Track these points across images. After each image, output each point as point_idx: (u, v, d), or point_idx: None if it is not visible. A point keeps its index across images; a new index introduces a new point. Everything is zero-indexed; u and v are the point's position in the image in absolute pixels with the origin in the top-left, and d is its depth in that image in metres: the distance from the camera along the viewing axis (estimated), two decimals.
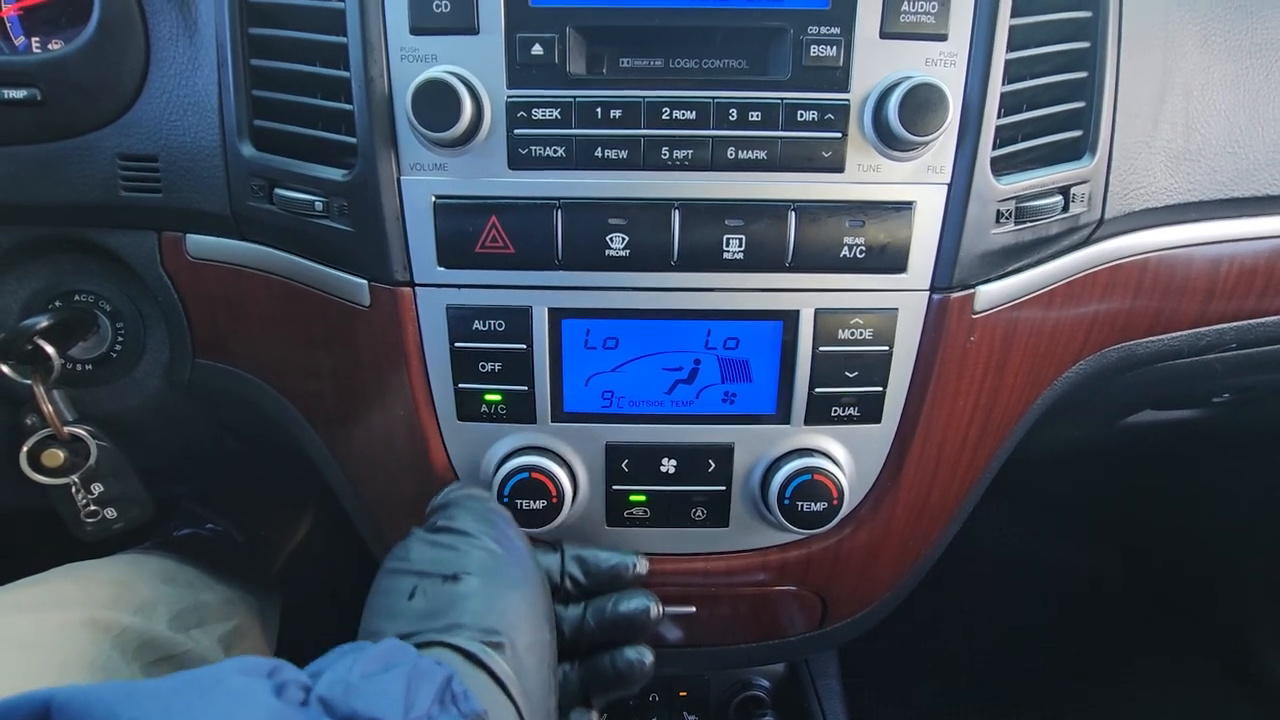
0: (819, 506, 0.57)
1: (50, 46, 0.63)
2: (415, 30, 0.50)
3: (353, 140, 0.52)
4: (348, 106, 0.52)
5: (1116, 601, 1.30)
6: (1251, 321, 0.67)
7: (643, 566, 0.56)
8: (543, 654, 0.44)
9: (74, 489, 0.66)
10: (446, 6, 0.50)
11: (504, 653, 0.41)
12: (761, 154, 0.51)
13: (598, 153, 0.51)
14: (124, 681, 0.28)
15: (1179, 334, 0.67)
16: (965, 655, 1.23)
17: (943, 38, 0.50)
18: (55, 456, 0.64)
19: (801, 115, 0.51)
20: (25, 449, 0.64)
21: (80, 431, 0.65)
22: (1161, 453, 1.17)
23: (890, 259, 0.54)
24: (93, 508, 0.67)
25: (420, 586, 0.44)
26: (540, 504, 0.57)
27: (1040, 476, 1.29)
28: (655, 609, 0.53)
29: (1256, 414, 0.90)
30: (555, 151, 0.51)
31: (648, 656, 0.53)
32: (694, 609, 0.66)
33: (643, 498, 0.60)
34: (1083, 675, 1.20)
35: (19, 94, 0.56)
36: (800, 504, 0.57)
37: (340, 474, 0.66)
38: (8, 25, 0.64)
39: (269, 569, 1.06)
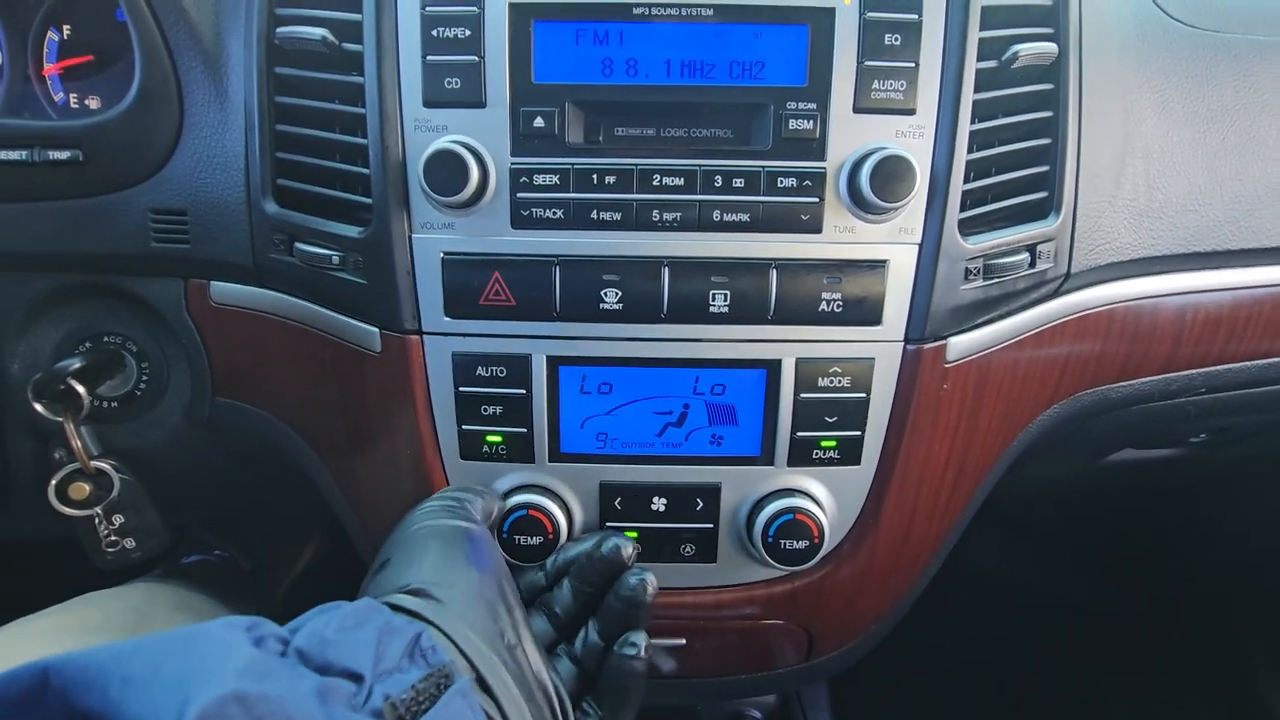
0: (801, 544, 0.60)
1: (87, 100, 0.68)
2: (428, 103, 0.55)
3: (368, 201, 0.56)
4: (364, 170, 0.56)
5: (1110, 634, 1.31)
6: (1219, 367, 0.70)
7: (612, 544, 0.57)
8: (474, 589, 0.45)
9: (97, 520, 0.69)
10: (457, 83, 0.54)
11: (425, 595, 0.43)
12: (745, 216, 0.55)
13: (594, 214, 0.55)
14: (113, 643, 0.30)
15: (1149, 379, 0.69)
16: (957, 687, 1.24)
17: (911, 112, 0.55)
18: (81, 489, 0.67)
19: (781, 182, 0.55)
20: (54, 482, 0.67)
21: (104, 465, 0.68)
22: (1147, 488, 1.19)
23: (866, 313, 0.57)
24: (113, 538, 0.70)
25: (370, 579, 0.47)
26: (537, 540, 0.60)
27: (1031, 509, 1.31)
28: (626, 547, 0.54)
29: (1235, 453, 0.93)
30: (554, 213, 0.56)
31: (648, 578, 0.54)
32: (684, 641, 0.69)
33: (634, 534, 0.63)
34: (1075, 708, 1.21)
35: (63, 155, 0.61)
36: (783, 542, 0.60)
37: (347, 507, 0.69)
38: (49, 83, 0.69)
39: (273, 596, 1.09)
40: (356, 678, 0.34)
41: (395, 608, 0.41)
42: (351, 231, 0.58)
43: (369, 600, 0.40)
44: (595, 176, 0.55)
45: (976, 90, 0.55)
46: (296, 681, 0.31)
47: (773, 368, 0.59)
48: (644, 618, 0.54)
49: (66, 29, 0.67)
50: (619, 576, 0.55)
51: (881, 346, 0.59)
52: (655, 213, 0.55)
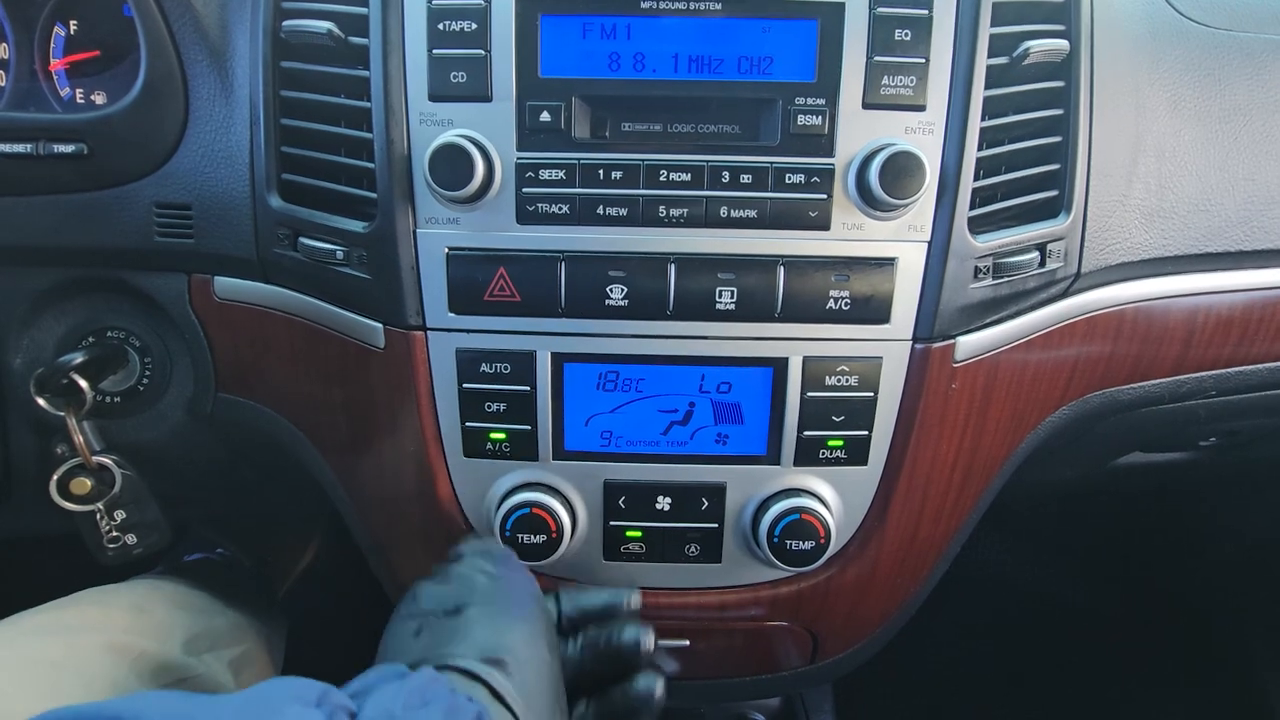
0: (807, 545, 0.60)
1: (94, 95, 0.68)
2: (434, 97, 0.55)
3: (373, 195, 0.56)
4: (369, 165, 0.56)
5: (1116, 637, 1.29)
6: (1230, 370, 0.70)
7: (636, 601, 0.57)
8: (544, 671, 0.46)
9: (98, 515, 0.69)
10: (463, 76, 0.54)
11: (504, 669, 0.42)
12: (752, 213, 0.55)
13: (599, 210, 0.55)
14: (185, 695, 0.30)
15: (1160, 381, 0.69)
16: (962, 691, 1.23)
17: (921, 108, 0.54)
18: (83, 484, 0.67)
19: (790, 178, 0.55)
20: (55, 477, 0.67)
21: (106, 461, 0.68)
22: (1156, 490, 1.18)
23: (874, 311, 0.57)
24: (114, 534, 0.70)
25: (424, 624, 0.47)
26: (540, 539, 0.60)
27: (1037, 512, 1.30)
28: (646, 640, 0.54)
29: (1245, 456, 0.92)
30: (560, 209, 0.55)
31: (658, 686, 0.53)
32: (688, 642, 0.68)
33: (639, 533, 0.62)
34: (1081, 711, 1.19)
35: (68, 148, 0.60)
36: (789, 542, 0.60)
37: (349, 503, 0.69)
38: (55, 78, 0.69)
39: (275, 594, 1.09)
40: None
41: (474, 677, 0.41)
42: (356, 226, 0.57)
43: (431, 673, 0.40)
44: (601, 172, 0.55)
45: (987, 87, 0.55)
46: None
47: (779, 366, 0.58)
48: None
49: (73, 24, 0.67)
50: (631, 668, 0.54)
51: (889, 345, 0.58)
52: (662, 208, 0.55)
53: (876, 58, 0.53)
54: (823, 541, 0.60)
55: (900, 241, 0.56)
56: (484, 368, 0.58)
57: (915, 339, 0.58)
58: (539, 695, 0.44)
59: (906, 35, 0.53)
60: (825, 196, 0.55)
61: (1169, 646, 1.24)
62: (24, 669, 0.53)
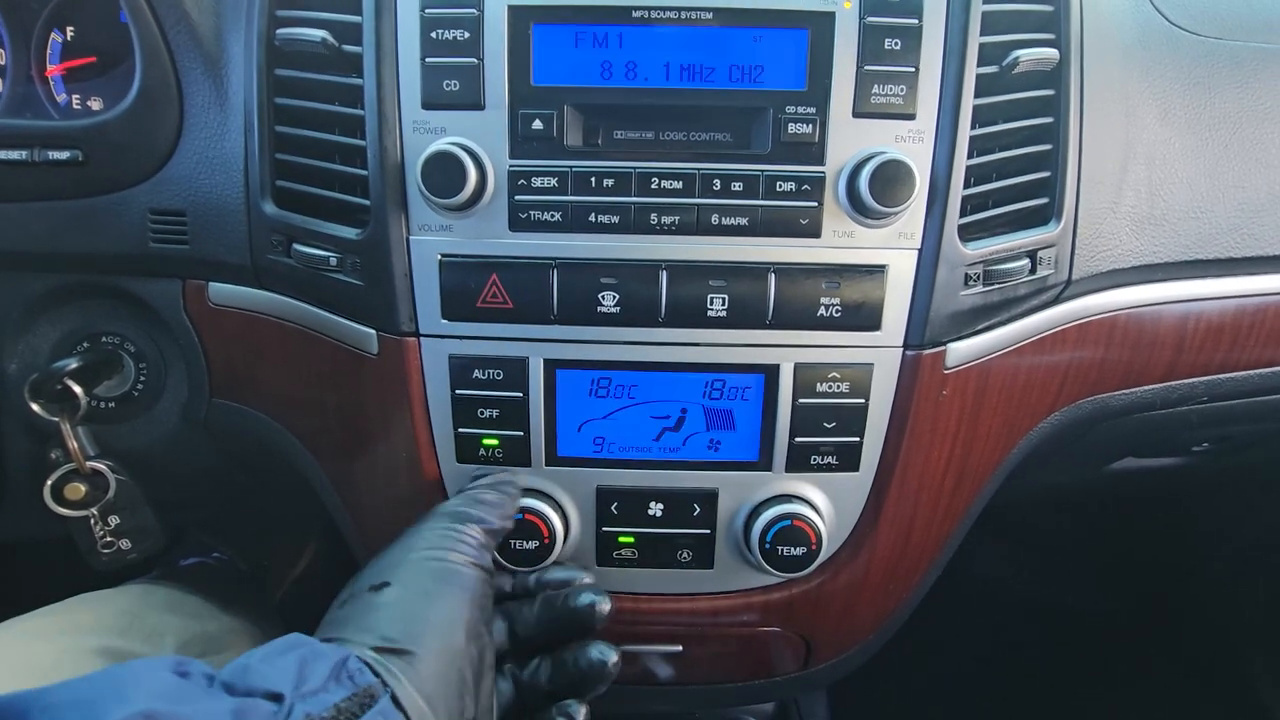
0: (798, 551, 0.60)
1: (90, 101, 0.68)
2: (427, 105, 0.55)
3: (366, 202, 0.56)
4: (363, 172, 0.56)
5: (1110, 641, 1.30)
6: (1221, 376, 0.70)
7: (590, 577, 0.58)
8: (454, 661, 0.44)
9: (92, 521, 0.69)
10: (456, 85, 0.54)
11: (403, 658, 0.41)
12: (743, 220, 0.55)
13: (592, 217, 0.55)
14: (47, 686, 0.31)
15: (1151, 387, 0.69)
16: (956, 696, 1.23)
17: (911, 117, 0.54)
18: (77, 490, 0.67)
19: (780, 186, 0.55)
20: (49, 483, 0.67)
21: (101, 466, 0.68)
22: (1152, 495, 1.18)
23: (865, 318, 0.57)
24: (109, 539, 0.70)
25: (352, 593, 0.46)
26: (533, 544, 0.60)
27: (1031, 517, 1.31)
28: (602, 605, 0.54)
29: (1237, 461, 0.92)
30: (552, 216, 0.55)
31: (611, 656, 0.53)
32: (680, 648, 0.68)
33: (631, 539, 0.63)
34: (1076, 716, 1.19)
35: (62, 155, 0.61)
36: (780, 548, 0.60)
37: (343, 509, 0.69)
38: (52, 84, 0.69)
39: (271, 599, 1.09)
40: (277, 698, 0.34)
41: (366, 664, 0.40)
42: (349, 233, 0.57)
43: (298, 635, 0.40)
44: (594, 179, 0.55)
45: (977, 95, 0.55)
46: (211, 703, 0.32)
47: (771, 373, 0.58)
48: (595, 690, 0.54)
49: (70, 30, 0.67)
50: (586, 637, 0.54)
51: (881, 352, 0.58)
52: (654, 216, 0.55)
53: (867, 66, 0.54)
54: (814, 547, 0.60)
55: (891, 249, 0.56)
56: (477, 374, 0.58)
57: (906, 346, 0.58)
58: (443, 684, 0.43)
59: (896, 44, 0.54)
60: (816, 204, 0.55)
61: (1164, 651, 1.24)
62: (14, 675, 0.53)
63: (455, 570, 0.49)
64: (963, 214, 0.57)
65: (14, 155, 0.61)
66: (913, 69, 0.54)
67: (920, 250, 0.56)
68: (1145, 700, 1.20)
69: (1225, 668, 1.16)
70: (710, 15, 0.54)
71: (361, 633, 0.43)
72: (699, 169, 0.55)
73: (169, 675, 0.33)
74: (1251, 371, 0.69)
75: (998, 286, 0.59)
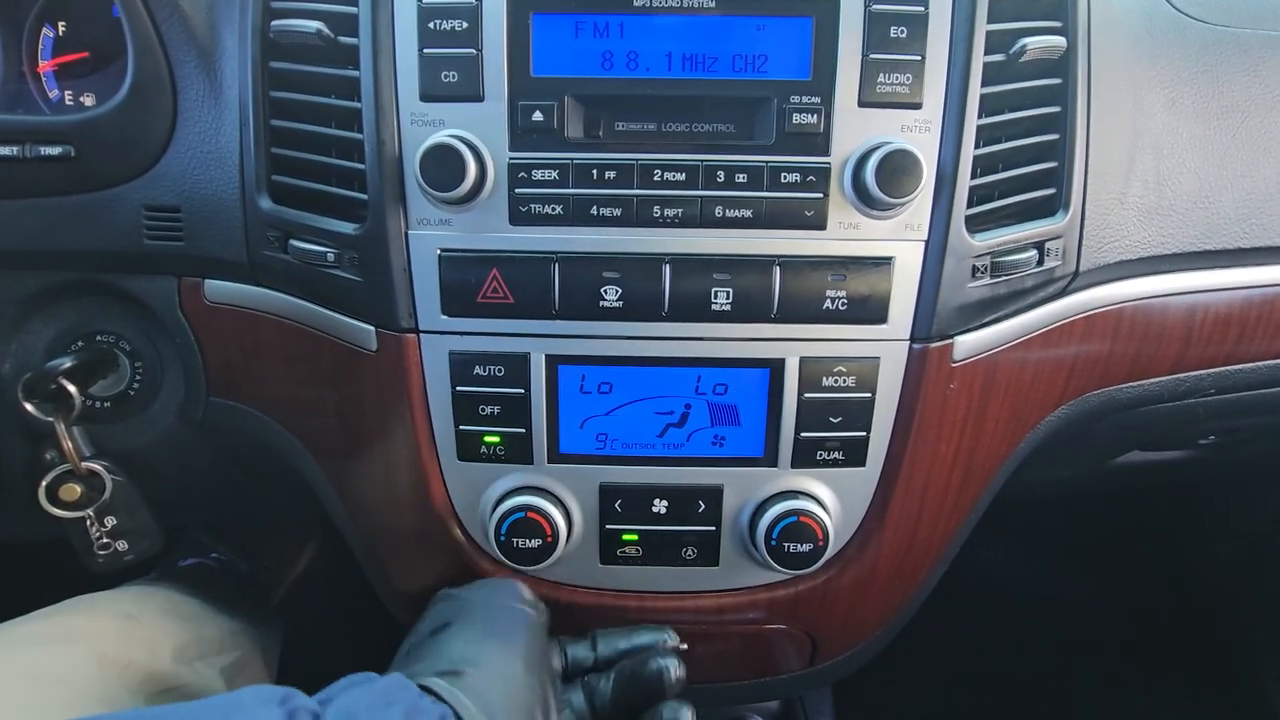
0: (805, 548, 0.59)
1: (82, 97, 0.67)
2: (425, 97, 0.54)
3: (364, 197, 0.56)
4: (360, 166, 0.55)
5: (1116, 638, 1.29)
6: (1228, 368, 0.69)
7: (673, 639, 0.60)
8: (513, 685, 0.47)
9: (88, 522, 0.68)
10: (454, 76, 0.53)
11: (459, 678, 0.44)
12: (748, 212, 0.54)
13: (593, 210, 0.54)
14: (153, 709, 0.31)
15: (1158, 379, 0.68)
16: (963, 692, 1.22)
17: (917, 106, 0.54)
18: (72, 491, 0.66)
19: (785, 177, 0.54)
20: (44, 484, 0.66)
21: (96, 466, 0.67)
22: (1158, 489, 1.17)
23: (871, 311, 0.56)
24: (105, 540, 0.69)
25: (415, 643, 0.49)
26: (536, 542, 0.59)
27: (1037, 512, 1.30)
28: (670, 670, 0.56)
29: (1244, 455, 0.92)
30: (553, 209, 0.55)
31: (684, 714, 0.55)
32: (685, 646, 0.68)
33: (635, 537, 0.62)
34: (1082, 712, 1.19)
35: (54, 151, 0.60)
36: (787, 545, 0.59)
37: (342, 508, 0.68)
38: (44, 80, 0.68)
39: (271, 599, 1.08)
40: None
41: (427, 690, 0.42)
42: (347, 228, 0.57)
43: (398, 678, 0.42)
44: (595, 172, 0.54)
45: (984, 84, 0.54)
46: None
47: (776, 367, 0.57)
48: None
49: (62, 25, 0.66)
50: (658, 700, 0.56)
51: (887, 345, 0.57)
52: (656, 209, 0.54)
53: (872, 55, 0.53)
54: (821, 544, 0.59)
55: (897, 241, 0.55)
56: (477, 370, 0.58)
57: (913, 339, 0.57)
58: (502, 704, 0.45)
59: (902, 32, 0.53)
60: (821, 195, 0.54)
61: (1171, 646, 1.24)
62: (10, 682, 0.52)
63: (508, 608, 0.55)
64: (970, 205, 0.56)
65: (5, 151, 0.59)
66: (919, 57, 0.53)
67: (927, 242, 0.55)
68: (1152, 698, 1.19)
69: (1232, 662, 1.16)
70: (713, 4, 0.53)
71: (425, 665, 0.46)
72: (702, 160, 0.54)
73: (277, 710, 0.33)
74: (1260, 363, 0.69)
75: (1005, 278, 0.58)
